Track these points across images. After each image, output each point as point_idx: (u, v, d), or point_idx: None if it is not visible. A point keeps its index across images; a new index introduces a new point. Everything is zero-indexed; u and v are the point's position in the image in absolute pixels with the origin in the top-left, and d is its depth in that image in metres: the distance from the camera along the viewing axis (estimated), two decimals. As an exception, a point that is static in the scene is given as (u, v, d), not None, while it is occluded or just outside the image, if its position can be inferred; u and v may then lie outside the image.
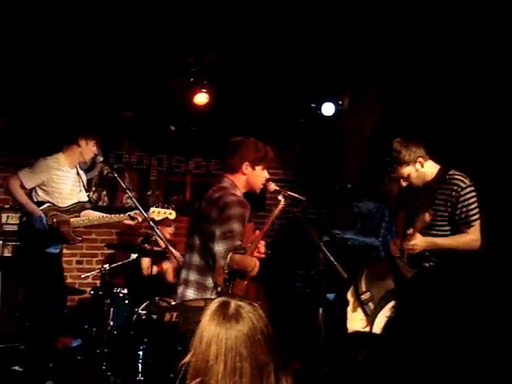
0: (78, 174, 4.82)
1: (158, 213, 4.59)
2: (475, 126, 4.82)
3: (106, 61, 5.35)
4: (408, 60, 5.14)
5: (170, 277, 5.61)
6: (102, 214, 4.76)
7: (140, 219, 4.57)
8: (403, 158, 3.35)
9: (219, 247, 3.10)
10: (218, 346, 1.56)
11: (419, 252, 3.35)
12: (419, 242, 3.32)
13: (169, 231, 5.59)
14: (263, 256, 3.38)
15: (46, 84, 5.44)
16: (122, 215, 4.70)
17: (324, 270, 3.56)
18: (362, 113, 6.42)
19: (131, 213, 4.63)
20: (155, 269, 5.33)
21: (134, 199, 4.48)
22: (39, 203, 4.51)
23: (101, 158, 4.75)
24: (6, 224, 5.58)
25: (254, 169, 3.35)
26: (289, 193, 3.48)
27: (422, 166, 3.39)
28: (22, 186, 4.49)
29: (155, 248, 5.23)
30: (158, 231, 4.40)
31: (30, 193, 4.55)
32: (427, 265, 3.38)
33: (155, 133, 6.40)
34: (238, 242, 3.07)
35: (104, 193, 6.26)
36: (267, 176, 3.44)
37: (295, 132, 6.75)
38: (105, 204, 6.24)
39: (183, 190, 6.64)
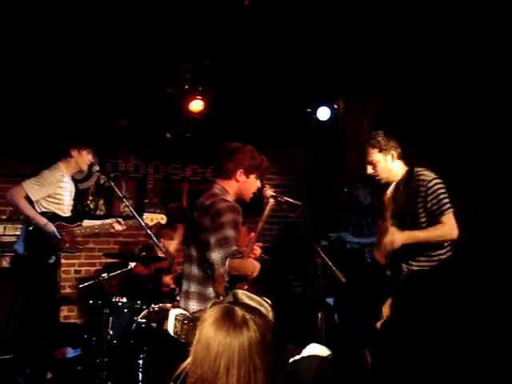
0: (73, 184, 4.86)
1: (150, 218, 4.68)
2: (471, 123, 4.83)
3: (102, 69, 5.35)
4: (404, 61, 5.16)
5: (170, 283, 5.61)
6: (97, 222, 4.83)
7: (123, 226, 4.76)
8: (379, 142, 3.54)
9: (216, 255, 3.07)
10: (229, 357, 1.46)
11: (399, 249, 3.40)
12: (396, 236, 3.40)
13: (173, 245, 5.57)
14: (258, 256, 3.38)
15: (42, 92, 5.45)
16: (111, 219, 4.81)
17: (322, 274, 3.56)
18: (359, 116, 6.43)
19: (119, 219, 4.79)
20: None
21: (131, 208, 4.50)
22: (43, 214, 4.52)
23: (97, 167, 4.75)
24: (4, 235, 5.58)
25: (247, 177, 3.33)
26: (285, 198, 3.47)
27: (392, 161, 3.56)
28: (27, 198, 4.48)
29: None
30: (154, 239, 4.41)
31: (31, 203, 4.54)
32: (412, 263, 3.45)
33: (151, 140, 6.40)
34: (234, 248, 3.05)
35: (101, 202, 6.26)
36: (259, 185, 3.42)
37: (291, 137, 6.76)
38: (102, 213, 6.23)
39: (180, 198, 6.64)
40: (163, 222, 4.71)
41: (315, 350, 1.94)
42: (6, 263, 5.41)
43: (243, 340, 1.47)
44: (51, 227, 4.46)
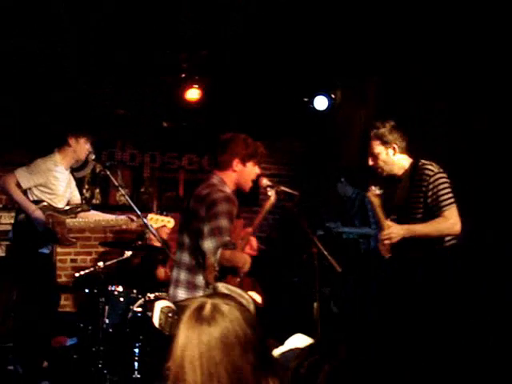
0: (71, 175, 4.82)
1: (155, 220, 4.61)
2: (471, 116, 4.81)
3: (99, 59, 5.33)
4: (402, 50, 5.14)
5: (161, 275, 5.59)
6: (99, 218, 4.76)
7: (136, 223, 4.70)
8: (382, 135, 3.47)
9: (208, 244, 3.09)
10: (191, 351, 1.47)
11: (399, 241, 3.38)
12: (395, 229, 3.36)
13: (165, 231, 5.56)
14: (255, 252, 3.38)
15: (40, 81, 5.42)
16: (119, 217, 4.74)
17: (319, 264, 3.56)
18: (356, 105, 6.41)
19: (129, 216, 4.70)
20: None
21: (126, 197, 4.48)
22: (35, 202, 4.49)
23: (93, 156, 4.72)
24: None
25: (244, 165, 3.35)
26: (282, 188, 3.47)
27: (394, 154, 3.49)
28: (18, 186, 4.47)
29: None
30: (151, 229, 4.40)
31: (24, 192, 4.53)
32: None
33: (148, 130, 6.38)
34: (227, 238, 3.06)
35: (97, 191, 6.24)
36: (258, 172, 3.44)
37: (288, 127, 6.74)
38: (98, 202, 6.22)
39: (176, 187, 6.63)
40: (170, 225, 4.61)
41: (298, 341, 1.93)
42: (1, 252, 5.41)
43: (203, 336, 1.47)
44: (39, 214, 4.43)
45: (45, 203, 4.51)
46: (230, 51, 5.40)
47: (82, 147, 4.63)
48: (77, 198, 4.86)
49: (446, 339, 3.20)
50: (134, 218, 4.66)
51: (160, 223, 4.61)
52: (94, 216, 4.78)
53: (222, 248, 3.03)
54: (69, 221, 4.58)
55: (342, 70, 5.87)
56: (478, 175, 4.44)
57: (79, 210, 4.73)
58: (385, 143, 3.47)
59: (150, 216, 4.62)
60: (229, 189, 3.30)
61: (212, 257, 3.05)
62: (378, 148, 3.49)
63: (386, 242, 3.40)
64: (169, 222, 4.60)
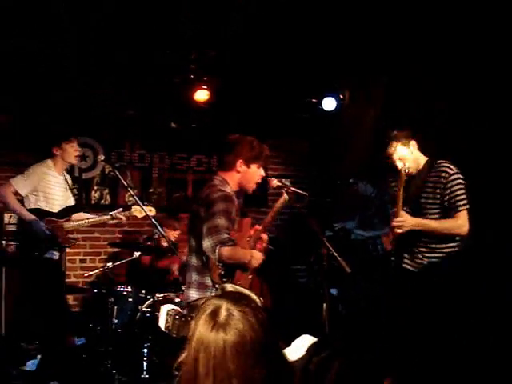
0: (65, 179, 4.86)
1: (139, 211, 4.67)
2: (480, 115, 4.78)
3: (107, 60, 5.34)
4: (409, 50, 5.13)
5: (174, 273, 5.62)
6: (88, 216, 4.85)
7: (124, 218, 4.79)
8: (400, 138, 3.51)
9: (206, 243, 3.12)
10: (206, 358, 1.45)
11: (406, 236, 3.40)
12: (406, 218, 3.40)
13: (174, 235, 5.57)
14: (265, 246, 3.40)
15: (40, 81, 5.44)
16: (104, 216, 4.82)
17: (327, 265, 3.56)
18: (364, 105, 6.39)
19: (113, 213, 4.79)
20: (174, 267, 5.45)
21: (135, 197, 4.49)
22: (31, 210, 4.53)
23: (102, 157, 4.73)
24: (9, 224, 5.59)
25: (248, 167, 3.36)
26: (291, 188, 3.48)
27: (414, 151, 3.53)
28: (16, 194, 4.52)
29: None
30: (159, 228, 4.41)
31: (22, 201, 4.57)
32: (416, 254, 3.45)
33: (156, 130, 6.39)
34: (225, 236, 3.08)
35: (106, 191, 6.26)
36: (263, 174, 3.44)
37: (297, 127, 6.74)
38: (107, 203, 6.24)
39: (185, 187, 6.64)
40: (152, 213, 4.62)
41: (306, 342, 1.91)
42: (11, 251, 5.44)
43: (219, 341, 1.45)
44: (38, 223, 4.46)
45: (41, 210, 4.56)
46: (238, 52, 5.40)
47: (68, 152, 4.68)
48: (71, 202, 4.89)
49: (446, 339, 3.20)
50: (115, 215, 4.77)
51: (143, 213, 4.62)
52: (82, 216, 4.85)
53: (220, 245, 3.05)
54: (65, 223, 4.65)
55: (349, 70, 5.86)
56: (478, 175, 4.42)
57: (70, 211, 4.78)
58: (405, 144, 3.50)
59: (133, 208, 4.73)
60: (230, 188, 3.31)
61: (212, 255, 3.08)
62: (402, 150, 3.51)
63: (397, 229, 3.40)
64: (150, 211, 4.62)
